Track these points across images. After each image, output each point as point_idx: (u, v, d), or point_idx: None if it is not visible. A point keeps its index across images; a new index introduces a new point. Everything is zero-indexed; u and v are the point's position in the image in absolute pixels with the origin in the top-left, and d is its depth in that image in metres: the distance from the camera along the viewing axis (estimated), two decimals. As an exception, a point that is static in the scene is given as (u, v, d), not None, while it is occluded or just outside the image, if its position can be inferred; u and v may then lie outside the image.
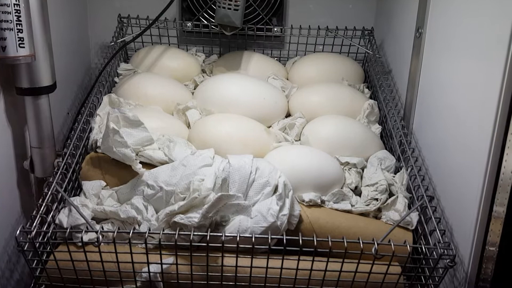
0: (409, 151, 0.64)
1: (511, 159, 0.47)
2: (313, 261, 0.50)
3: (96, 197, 0.62)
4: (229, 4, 0.76)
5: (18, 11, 0.55)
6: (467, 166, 0.54)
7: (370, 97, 0.81)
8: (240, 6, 0.76)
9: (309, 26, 0.87)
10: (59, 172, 0.58)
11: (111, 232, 0.50)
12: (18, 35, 0.55)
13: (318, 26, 0.87)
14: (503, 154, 0.47)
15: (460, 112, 0.57)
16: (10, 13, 0.54)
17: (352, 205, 0.62)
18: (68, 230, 0.50)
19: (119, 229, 0.50)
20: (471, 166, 0.53)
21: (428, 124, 0.67)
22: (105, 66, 0.74)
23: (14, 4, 0.54)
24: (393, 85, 0.80)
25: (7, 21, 0.54)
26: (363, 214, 0.62)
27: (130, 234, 0.49)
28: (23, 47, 0.56)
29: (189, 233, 0.50)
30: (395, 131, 0.70)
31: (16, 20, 0.55)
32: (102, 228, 0.55)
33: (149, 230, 0.50)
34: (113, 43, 0.81)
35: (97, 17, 0.91)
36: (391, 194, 0.63)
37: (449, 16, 0.61)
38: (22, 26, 0.55)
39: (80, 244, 0.52)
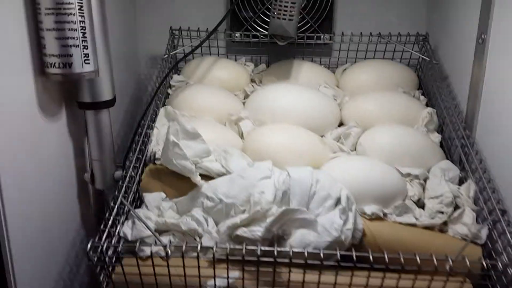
0: (477, 161, 0.62)
1: None
2: (384, 278, 0.48)
3: (157, 209, 0.62)
4: (284, 15, 0.75)
5: (84, 28, 0.56)
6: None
7: (426, 105, 0.79)
8: (294, 16, 0.76)
9: (361, 33, 0.86)
10: (124, 185, 0.59)
11: (180, 245, 0.50)
12: (83, 51, 0.56)
13: (370, 32, 0.86)
14: None
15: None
16: (76, 30, 0.56)
17: (416, 218, 0.60)
18: (138, 243, 0.50)
19: (186, 243, 0.50)
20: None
21: (494, 133, 0.64)
22: (163, 79, 0.75)
23: (80, 21, 0.56)
24: (452, 92, 0.77)
25: (74, 38, 0.56)
26: (428, 228, 0.60)
27: (199, 248, 0.49)
28: (88, 63, 0.57)
29: (256, 248, 0.49)
30: (458, 139, 0.68)
31: (81, 37, 0.56)
32: (170, 242, 0.55)
33: (216, 244, 0.50)
34: (166, 55, 0.82)
35: (146, 28, 0.92)
36: (456, 207, 0.61)
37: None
38: (87, 43, 0.57)
39: (146, 257, 0.52)
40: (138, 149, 0.64)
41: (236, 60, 0.91)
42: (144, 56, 0.94)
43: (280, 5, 0.75)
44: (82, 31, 0.56)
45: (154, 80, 0.78)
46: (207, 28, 0.84)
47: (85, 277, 0.69)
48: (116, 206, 0.55)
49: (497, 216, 0.54)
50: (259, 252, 0.49)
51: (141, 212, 0.60)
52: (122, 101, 0.86)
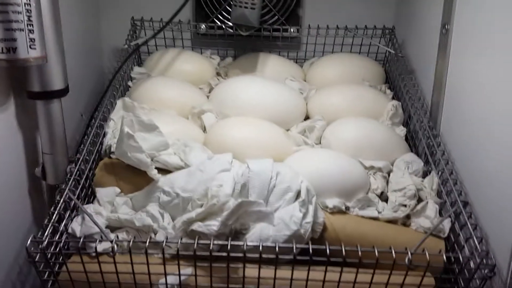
0: (439, 153, 0.61)
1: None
2: (341, 272, 0.47)
3: (110, 204, 0.59)
4: (245, 3, 0.73)
5: (29, 11, 0.53)
6: (503, 170, 0.50)
7: (393, 98, 0.78)
8: (257, 5, 0.74)
9: (327, 26, 0.84)
10: (72, 178, 0.56)
11: (126, 241, 0.47)
12: (29, 36, 0.53)
13: (337, 25, 0.84)
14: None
15: (495, 113, 0.53)
16: (21, 13, 0.52)
17: (378, 212, 0.59)
18: (81, 239, 0.47)
19: (134, 238, 0.47)
20: (508, 170, 0.49)
21: (458, 126, 0.63)
22: (118, 69, 0.72)
23: (25, 4, 0.52)
24: (417, 85, 0.76)
25: (18, 21, 0.52)
26: (391, 221, 0.59)
27: (147, 244, 0.46)
28: (34, 48, 0.54)
29: (209, 242, 0.47)
30: (422, 132, 0.67)
31: (27, 20, 0.53)
32: (117, 237, 0.52)
33: (167, 239, 0.47)
34: (126, 45, 0.79)
35: (110, 20, 0.89)
36: (420, 200, 0.60)
37: (479, 10, 0.58)
38: (33, 27, 0.53)
39: (94, 254, 0.49)
40: (89, 141, 0.61)
41: (201, 53, 0.88)
42: (107, 49, 0.91)
43: (242, -7, 0.73)
44: (27, 14, 0.53)
45: (113, 72, 0.75)
46: (170, 19, 0.82)
47: (37, 279, 0.65)
48: (62, 200, 0.52)
49: (459, 208, 0.53)
50: (211, 247, 0.46)
51: (91, 207, 0.57)
52: (82, 93, 0.82)
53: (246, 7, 0.74)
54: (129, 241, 0.46)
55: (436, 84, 0.69)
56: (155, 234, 0.55)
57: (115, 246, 0.46)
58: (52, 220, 0.50)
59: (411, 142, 0.71)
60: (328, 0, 0.89)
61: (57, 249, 0.48)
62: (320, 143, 0.70)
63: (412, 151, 0.69)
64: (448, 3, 0.65)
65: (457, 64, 0.64)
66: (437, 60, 0.69)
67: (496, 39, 0.53)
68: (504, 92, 0.51)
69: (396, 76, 0.80)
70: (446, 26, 0.66)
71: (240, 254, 0.47)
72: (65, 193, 0.53)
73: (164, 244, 0.46)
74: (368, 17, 0.86)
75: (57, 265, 0.51)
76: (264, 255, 0.47)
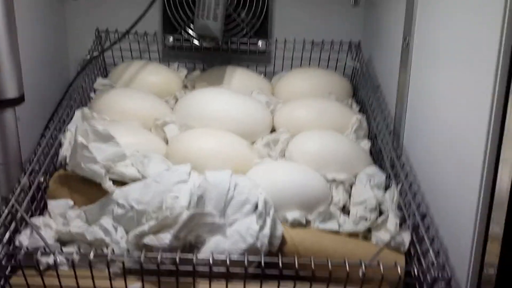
0: (399, 165, 0.60)
1: (505, 175, 0.43)
2: (294, 285, 0.45)
3: (62, 217, 0.57)
4: (208, 14, 0.73)
5: (-21, 17, 0.52)
6: (461, 183, 0.50)
7: (359, 112, 0.78)
8: (219, 16, 0.73)
9: (294, 39, 0.85)
10: (18, 188, 0.53)
11: (70, 253, 0.45)
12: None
13: (304, 39, 0.85)
14: (497, 169, 0.44)
15: (451, 126, 0.53)
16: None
17: (339, 225, 0.58)
18: (22, 251, 0.45)
19: (79, 250, 0.45)
20: (465, 182, 0.49)
21: (419, 139, 0.63)
22: (75, 78, 0.71)
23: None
24: (382, 99, 0.76)
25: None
26: (352, 235, 0.57)
27: (91, 256, 0.44)
28: (-16, 55, 0.52)
29: (157, 254, 0.45)
30: (384, 146, 0.67)
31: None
32: (61, 250, 0.50)
33: (113, 251, 0.45)
34: (88, 55, 0.77)
35: (76, 32, 0.88)
36: (381, 213, 0.59)
37: (436, 25, 0.58)
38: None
39: (39, 268, 0.47)
40: (40, 151, 0.59)
41: (169, 66, 0.87)
42: (74, 60, 0.89)
43: (204, 4, 0.73)
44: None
45: (79, 84, 0.73)
46: (136, 31, 0.81)
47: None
48: (7, 211, 0.50)
49: (417, 220, 0.52)
50: (159, 260, 0.44)
51: (40, 219, 0.54)
52: (46, 104, 0.80)
53: (208, 18, 0.73)
54: (73, 254, 0.44)
55: (399, 97, 0.69)
56: (107, 249, 0.53)
57: (58, 258, 0.43)
58: (-6, 233, 0.48)
59: (375, 156, 0.71)
60: (296, 15, 0.89)
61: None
62: (284, 156, 0.69)
63: (376, 164, 0.68)
64: (408, 15, 0.65)
65: (417, 77, 0.65)
66: (399, 74, 0.69)
67: (450, 53, 0.54)
68: (462, 106, 0.51)
69: (362, 91, 0.81)
70: (407, 39, 0.66)
71: (190, 268, 0.45)
72: (10, 204, 0.50)
73: (109, 257, 0.44)
74: (337, 32, 0.87)
75: (1, 279, 0.48)
76: (216, 269, 0.45)
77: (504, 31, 0.41)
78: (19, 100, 0.60)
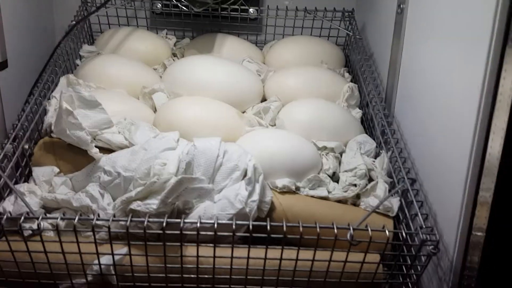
0: (390, 132, 0.60)
1: (496, 143, 0.43)
2: (282, 249, 0.45)
3: (47, 184, 0.56)
4: (197, -23, 0.71)
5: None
6: (451, 150, 0.49)
7: (351, 81, 0.77)
8: (209, -21, 0.71)
9: (286, 7, 0.83)
10: (1, 154, 0.52)
11: (54, 218, 0.44)
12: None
13: (296, 7, 0.83)
14: (488, 137, 0.43)
15: (442, 96, 0.52)
16: None
17: (329, 192, 0.58)
18: (4, 216, 0.44)
19: (64, 214, 0.44)
20: (455, 150, 0.48)
21: (410, 108, 0.63)
22: (59, 43, 0.69)
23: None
24: (375, 68, 0.75)
25: None
26: (341, 201, 0.57)
27: (76, 221, 0.43)
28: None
29: (143, 219, 0.44)
30: (375, 114, 0.66)
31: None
32: (45, 215, 0.49)
33: (98, 216, 0.45)
34: (73, 21, 0.75)
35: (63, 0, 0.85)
36: (371, 180, 0.59)
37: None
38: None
39: (23, 233, 0.46)
40: (23, 118, 0.57)
41: (157, 34, 0.85)
42: (60, 27, 0.87)
43: (194, -33, 0.71)
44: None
45: (64, 50, 0.71)
46: (123, -4, 0.79)
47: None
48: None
49: (406, 185, 0.52)
50: (145, 224, 0.44)
51: (25, 186, 0.53)
52: (29, 71, 0.78)
53: (197, -18, 0.71)
54: (57, 218, 0.43)
55: (391, 66, 0.68)
56: (94, 215, 0.52)
57: (42, 223, 0.43)
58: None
59: (366, 124, 0.70)
60: (288, -19, 0.87)
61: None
62: (275, 124, 0.68)
63: (367, 133, 0.68)
64: (403, -19, 0.64)
65: (410, 46, 0.63)
66: (392, 42, 0.68)
67: (448, 20, 0.52)
68: (453, 74, 0.50)
69: (355, 60, 0.79)
70: (401, 6, 0.65)
71: (177, 232, 0.44)
72: (-8, 170, 0.49)
73: (94, 221, 0.43)
74: (329, 0, 0.85)
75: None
76: (203, 233, 0.44)
77: (499, 3, 0.40)
78: (2, 65, 0.58)
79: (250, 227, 0.44)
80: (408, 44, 0.64)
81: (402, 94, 0.66)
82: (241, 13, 0.83)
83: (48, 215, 0.50)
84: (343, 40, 0.87)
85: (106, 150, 0.58)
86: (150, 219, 0.45)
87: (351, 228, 0.44)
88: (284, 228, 0.44)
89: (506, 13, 0.40)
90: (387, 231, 0.45)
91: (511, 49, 0.40)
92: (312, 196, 0.57)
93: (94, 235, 0.44)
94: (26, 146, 0.57)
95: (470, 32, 0.46)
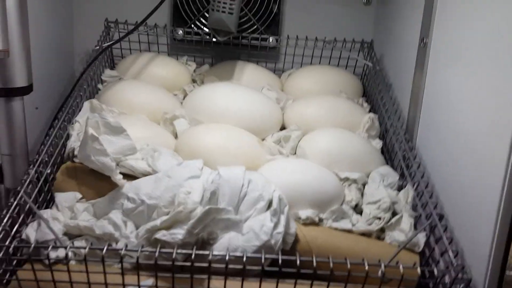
0: (415, 166, 0.59)
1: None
2: (312, 284, 0.44)
3: (70, 210, 0.56)
4: (223, 7, 0.72)
5: (-9, 2, 0.50)
6: (481, 184, 0.49)
7: (370, 112, 0.77)
8: (235, 10, 0.72)
9: (306, 37, 0.84)
10: (27, 180, 0.52)
11: (82, 248, 0.43)
12: (-11, 27, 0.50)
13: (316, 37, 0.84)
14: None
15: (470, 128, 0.52)
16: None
17: (352, 224, 0.57)
18: (32, 245, 0.43)
19: (91, 244, 0.44)
20: (485, 184, 0.48)
21: (433, 140, 0.62)
22: (86, 68, 0.69)
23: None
24: (395, 99, 0.76)
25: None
26: (365, 234, 0.57)
27: (104, 251, 0.43)
28: (-5, 41, 0.51)
29: (171, 250, 0.44)
30: (398, 145, 0.66)
31: (-13, 11, 0.50)
32: (73, 244, 0.49)
33: (126, 246, 0.44)
34: (97, 47, 0.76)
35: (85, 23, 0.86)
36: (394, 213, 0.58)
37: (457, 25, 0.58)
38: (-5, 19, 0.50)
39: (47, 262, 0.45)
40: (49, 143, 0.57)
41: (177, 60, 0.86)
42: (81, 51, 0.88)
43: (220, -2, 0.72)
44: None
45: (87, 75, 0.72)
46: (146, 23, 0.80)
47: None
48: (15, 203, 0.48)
49: (435, 221, 0.52)
50: (174, 256, 0.43)
51: (48, 212, 0.53)
52: (51, 94, 0.79)
53: (224, 12, 0.72)
54: (85, 248, 0.43)
55: (413, 98, 0.68)
56: (117, 243, 0.52)
57: (69, 253, 0.42)
58: (3, 224, 0.46)
59: (387, 155, 0.70)
60: (307, 12, 0.88)
61: (6, 255, 0.44)
62: (295, 153, 0.68)
63: (388, 164, 0.67)
64: (427, 16, 0.65)
65: (434, 78, 0.64)
66: (414, 73, 0.68)
67: (472, 54, 0.53)
68: (478, 107, 0.50)
69: (373, 90, 0.80)
70: (424, 40, 0.65)
71: (205, 264, 0.44)
72: (19, 195, 0.49)
73: (123, 252, 0.43)
74: (347, 30, 0.86)
75: (8, 273, 0.47)
76: (231, 266, 0.44)
77: None
78: (28, 89, 0.59)
79: (280, 261, 0.44)
80: (431, 76, 0.64)
81: (425, 125, 0.66)
82: (261, 42, 0.84)
83: (76, 244, 0.49)
84: (360, 70, 0.87)
85: (129, 176, 0.58)
86: (179, 251, 0.44)
87: (382, 265, 0.43)
88: (314, 264, 0.43)
89: None
90: (418, 269, 0.44)
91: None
92: (336, 228, 0.56)
93: (122, 266, 0.43)
94: (49, 171, 0.57)
95: (498, 65, 0.46)
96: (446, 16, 0.61)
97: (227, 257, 0.43)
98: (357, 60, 0.85)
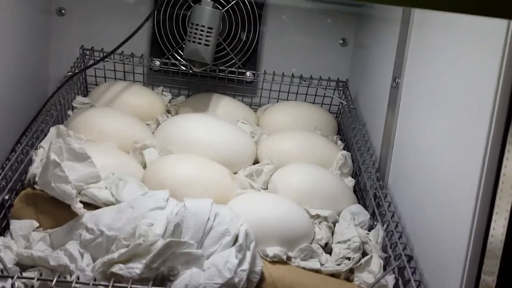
0: (386, 204, 0.59)
1: (499, 224, 0.41)
2: (273, 327, 0.42)
3: (24, 239, 0.52)
4: (199, 39, 0.72)
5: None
6: (449, 229, 0.48)
7: (344, 149, 0.77)
8: (211, 42, 0.72)
9: (283, 73, 0.84)
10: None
11: (31, 278, 0.40)
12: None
13: (292, 74, 0.85)
14: (491, 218, 0.42)
15: (440, 171, 0.52)
16: None
17: (321, 264, 0.55)
18: (-26, 276, 0.40)
19: (41, 275, 0.41)
20: (454, 229, 0.47)
21: (404, 181, 0.62)
22: (53, 93, 0.68)
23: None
24: (368, 138, 0.76)
25: None
26: (334, 275, 0.55)
27: (53, 283, 0.40)
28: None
29: (125, 285, 0.41)
30: (369, 184, 0.65)
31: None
32: (21, 274, 0.46)
33: (78, 278, 0.41)
34: (70, 72, 0.75)
35: (61, 50, 0.85)
36: (365, 253, 0.57)
37: (427, 67, 0.59)
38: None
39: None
40: (8, 167, 0.55)
41: (153, 90, 0.85)
42: (55, 78, 0.86)
43: (197, 29, 0.72)
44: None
45: (57, 100, 0.70)
46: (122, 51, 0.79)
47: None
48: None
49: (403, 262, 0.50)
50: (127, 292, 0.40)
51: (0, 240, 0.50)
52: (19, 119, 0.76)
53: (200, 43, 0.72)
54: (34, 279, 0.40)
55: (385, 137, 0.69)
56: (71, 276, 0.49)
57: (16, 283, 0.39)
58: None
59: (359, 194, 0.69)
60: (286, 49, 0.89)
61: None
62: (267, 188, 0.66)
63: (359, 203, 0.66)
64: (399, 56, 0.66)
65: (405, 118, 0.64)
66: (387, 113, 0.69)
67: (442, 95, 0.54)
68: (450, 147, 0.50)
69: (348, 128, 0.80)
70: (396, 80, 0.66)
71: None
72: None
73: (73, 285, 0.40)
74: (324, 69, 0.87)
75: None
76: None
77: (502, 76, 0.40)
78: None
79: (241, 300, 0.41)
80: (403, 117, 0.65)
81: (396, 166, 0.66)
82: (238, 76, 0.84)
83: (24, 274, 0.46)
84: (336, 108, 0.88)
85: (92, 206, 0.56)
86: (133, 286, 0.42)
87: (348, 308, 0.41)
88: (277, 304, 0.41)
89: (509, 90, 0.40)
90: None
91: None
92: (304, 268, 0.55)
93: (70, 301, 0.40)
94: (7, 197, 0.54)
95: (469, 109, 0.46)
96: (418, 56, 0.62)
97: (184, 295, 0.41)
98: (332, 98, 0.86)
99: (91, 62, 0.79)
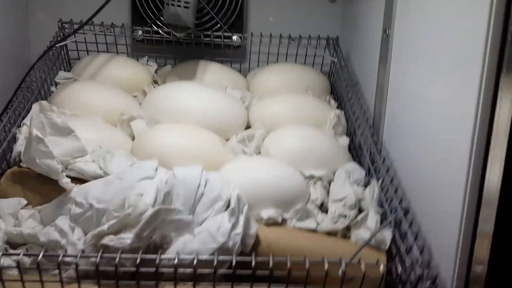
0: (380, 159, 0.57)
1: (495, 172, 0.40)
2: (269, 286, 0.41)
3: (13, 217, 0.52)
4: (178, 1, 0.69)
5: None
6: (445, 179, 0.47)
7: (337, 109, 0.75)
8: (191, 4, 0.69)
9: (270, 34, 0.81)
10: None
11: (16, 254, 0.40)
12: None
13: (280, 34, 0.82)
14: (486, 167, 0.41)
15: (433, 123, 0.50)
16: None
17: (317, 224, 0.54)
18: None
19: (27, 250, 0.40)
20: (450, 179, 0.46)
21: (399, 135, 0.60)
22: (31, 67, 0.65)
23: None
24: (361, 95, 0.74)
25: None
26: (331, 233, 0.54)
27: (40, 257, 0.39)
28: None
29: (114, 255, 0.40)
30: (364, 141, 0.64)
31: None
32: (6, 250, 0.45)
33: (65, 252, 0.40)
34: (49, 46, 0.72)
35: (40, 26, 0.82)
36: (361, 211, 0.56)
37: (418, 15, 0.56)
38: None
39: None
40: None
41: (138, 61, 0.83)
42: (36, 54, 0.84)
43: (175, -9, 0.69)
44: None
45: (38, 76, 0.68)
46: (102, 22, 0.76)
47: None
48: None
49: (400, 215, 0.49)
50: (117, 260, 0.40)
51: (-14, 220, 0.49)
52: (1, 100, 0.74)
53: (179, 6, 0.69)
54: (19, 254, 0.39)
55: (378, 92, 0.67)
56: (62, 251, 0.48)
57: (2, 260, 0.38)
58: None
59: (354, 152, 0.68)
60: (272, 9, 0.86)
61: None
62: (260, 152, 0.65)
63: (355, 161, 0.65)
64: (388, 7, 0.63)
65: (397, 71, 0.62)
66: (378, 68, 0.67)
67: (434, 46, 0.51)
68: (443, 99, 0.49)
69: (340, 87, 0.78)
70: (387, 31, 0.64)
71: (153, 269, 0.40)
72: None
73: (60, 258, 0.39)
74: (313, 27, 0.84)
75: None
76: (181, 271, 0.40)
77: (491, 22, 0.39)
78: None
79: (234, 263, 0.41)
80: (395, 70, 0.63)
81: (390, 121, 0.64)
82: (225, 40, 0.81)
83: (10, 251, 0.45)
84: (328, 68, 0.86)
85: (79, 180, 0.54)
86: (123, 255, 0.41)
87: (343, 263, 0.41)
88: (271, 264, 0.40)
89: (499, 38, 0.38)
90: (381, 267, 0.41)
91: (506, 76, 0.39)
92: (300, 228, 0.54)
93: (60, 273, 0.39)
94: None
95: (461, 58, 0.45)
96: (408, 5, 0.59)
97: (175, 261, 0.40)
98: (323, 57, 0.83)
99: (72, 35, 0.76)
